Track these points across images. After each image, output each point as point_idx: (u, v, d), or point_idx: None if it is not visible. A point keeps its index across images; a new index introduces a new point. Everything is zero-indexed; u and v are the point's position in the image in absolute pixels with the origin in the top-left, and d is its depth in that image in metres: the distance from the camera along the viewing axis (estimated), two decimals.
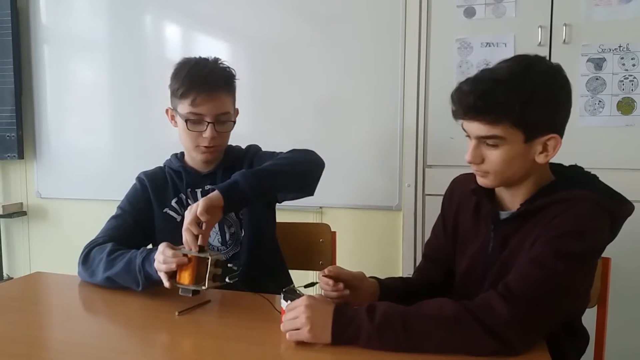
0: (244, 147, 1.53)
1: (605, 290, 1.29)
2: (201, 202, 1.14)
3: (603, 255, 1.09)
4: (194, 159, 1.46)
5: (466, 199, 1.20)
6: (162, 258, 1.13)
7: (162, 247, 1.16)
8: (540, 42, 1.92)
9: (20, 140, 2.66)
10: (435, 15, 2.06)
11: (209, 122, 1.35)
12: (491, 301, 0.92)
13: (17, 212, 2.76)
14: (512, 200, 1.10)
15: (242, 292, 1.25)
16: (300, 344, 0.96)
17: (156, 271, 1.15)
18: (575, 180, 1.06)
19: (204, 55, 1.40)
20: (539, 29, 1.92)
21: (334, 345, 0.94)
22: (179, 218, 1.42)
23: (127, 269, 1.23)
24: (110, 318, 1.19)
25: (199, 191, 1.45)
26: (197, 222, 1.14)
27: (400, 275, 2.00)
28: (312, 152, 1.42)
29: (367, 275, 1.18)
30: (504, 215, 1.11)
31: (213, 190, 1.19)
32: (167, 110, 1.43)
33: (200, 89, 1.33)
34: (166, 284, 1.14)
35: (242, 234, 1.44)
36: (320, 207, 2.29)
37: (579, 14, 1.89)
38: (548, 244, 0.96)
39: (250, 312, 1.15)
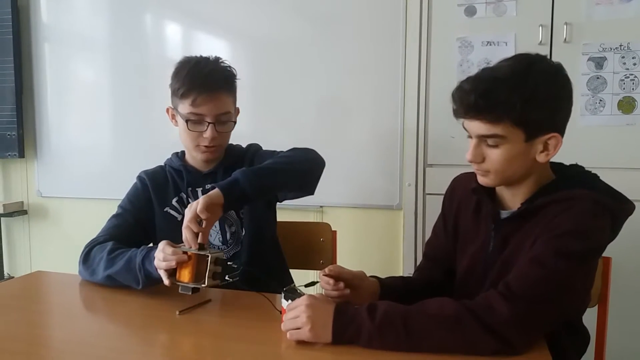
0: (244, 146, 1.53)
1: (605, 289, 1.29)
2: (201, 199, 1.15)
3: (604, 254, 1.09)
4: (195, 158, 1.46)
5: (467, 198, 1.20)
6: (162, 256, 1.13)
7: (162, 244, 1.15)
8: (541, 41, 1.92)
9: (21, 139, 2.66)
10: (435, 14, 2.06)
11: (209, 122, 1.35)
12: (492, 300, 0.92)
13: (17, 211, 2.76)
14: (513, 199, 1.10)
15: (243, 291, 1.25)
16: (301, 343, 0.96)
17: (156, 269, 1.15)
18: (576, 180, 1.06)
19: (204, 55, 1.40)
20: (540, 27, 1.92)
21: (335, 345, 0.94)
22: (179, 217, 1.42)
23: (127, 267, 1.23)
24: (110, 317, 1.19)
25: (199, 190, 1.45)
26: (197, 219, 1.14)
27: (401, 274, 2.01)
28: (313, 151, 1.42)
29: (368, 275, 1.18)
30: (504, 214, 1.10)
31: (213, 188, 1.19)
32: (167, 110, 1.43)
33: (201, 89, 1.33)
34: (166, 281, 1.13)
35: (243, 233, 1.44)
36: (321, 207, 2.29)
37: (579, 12, 1.89)
38: (548, 243, 0.96)
39: (250, 311, 1.14)
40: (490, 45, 1.99)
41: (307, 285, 1.14)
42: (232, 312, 1.18)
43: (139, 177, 1.50)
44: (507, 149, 1.01)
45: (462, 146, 1.10)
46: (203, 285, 1.12)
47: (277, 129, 2.27)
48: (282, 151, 1.42)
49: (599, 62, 1.89)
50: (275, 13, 2.26)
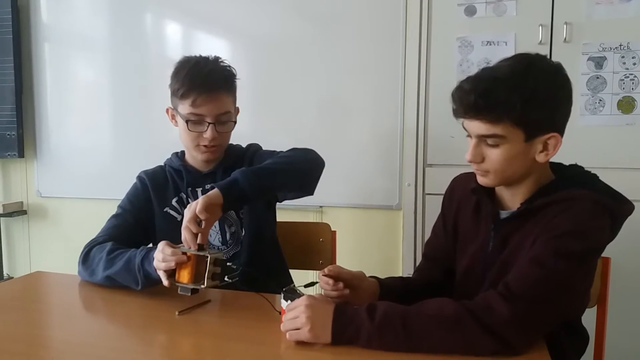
0: (244, 146, 1.53)
1: (605, 290, 1.29)
2: (200, 200, 1.14)
3: (603, 255, 1.09)
4: (195, 158, 1.46)
5: (466, 198, 1.20)
6: (161, 256, 1.13)
7: (161, 245, 1.15)
8: (541, 41, 1.92)
9: (21, 139, 2.66)
10: (435, 14, 2.06)
11: (209, 123, 1.35)
12: (491, 301, 0.92)
13: (17, 211, 2.76)
14: (512, 199, 1.10)
15: (242, 291, 1.25)
16: (300, 343, 0.96)
17: (155, 270, 1.15)
18: (576, 180, 1.06)
19: (204, 54, 1.40)
20: (540, 27, 1.92)
21: (334, 345, 0.94)
22: (179, 217, 1.42)
23: (126, 268, 1.23)
24: (110, 317, 1.19)
25: (199, 190, 1.45)
26: (196, 220, 1.14)
27: (401, 274, 2.01)
28: (312, 151, 1.42)
29: (367, 275, 1.18)
30: (504, 214, 1.10)
31: (213, 188, 1.19)
32: (167, 110, 1.43)
33: (201, 89, 1.32)
34: (165, 282, 1.13)
35: (243, 234, 1.44)
36: (321, 207, 2.29)
37: (579, 12, 1.89)
38: (548, 244, 0.96)
39: (250, 311, 1.14)
40: (490, 45, 1.99)
41: (306, 286, 1.14)
42: (231, 312, 1.18)
43: (139, 177, 1.50)
44: (507, 148, 1.01)
45: (462, 146, 1.10)
46: (202, 286, 1.12)
47: (277, 129, 2.27)
48: (282, 151, 1.42)
49: (599, 62, 1.89)
50: (275, 13, 2.26)
